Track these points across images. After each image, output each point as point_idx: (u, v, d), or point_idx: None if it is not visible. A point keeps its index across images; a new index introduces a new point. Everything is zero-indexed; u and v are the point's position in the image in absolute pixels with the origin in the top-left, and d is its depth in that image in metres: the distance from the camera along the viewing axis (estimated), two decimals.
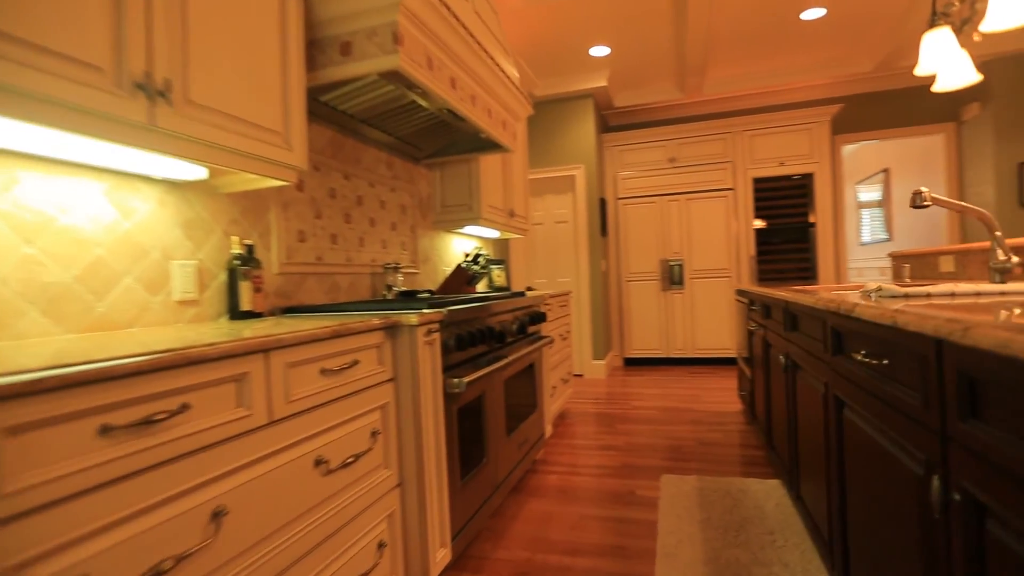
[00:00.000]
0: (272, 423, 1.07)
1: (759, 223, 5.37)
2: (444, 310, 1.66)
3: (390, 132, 2.41)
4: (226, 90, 1.33)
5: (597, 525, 2.13)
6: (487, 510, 2.01)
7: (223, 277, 1.66)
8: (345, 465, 1.29)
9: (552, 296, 3.44)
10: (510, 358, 2.11)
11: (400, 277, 2.54)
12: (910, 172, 6.37)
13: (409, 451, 1.53)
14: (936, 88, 2.24)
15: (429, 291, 2.65)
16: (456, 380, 1.68)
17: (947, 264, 2.37)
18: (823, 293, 1.57)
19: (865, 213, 7.96)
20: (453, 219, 3.06)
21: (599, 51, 4.46)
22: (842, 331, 1.32)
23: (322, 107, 2.03)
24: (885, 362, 1.04)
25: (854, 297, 1.30)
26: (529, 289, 5.40)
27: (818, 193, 5.18)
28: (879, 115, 5.51)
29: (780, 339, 2.10)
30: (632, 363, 5.78)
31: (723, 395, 4.19)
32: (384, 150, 2.61)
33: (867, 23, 4.22)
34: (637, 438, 3.21)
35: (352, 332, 1.31)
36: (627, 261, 5.70)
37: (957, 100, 5.25)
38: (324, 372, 1.24)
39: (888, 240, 7.06)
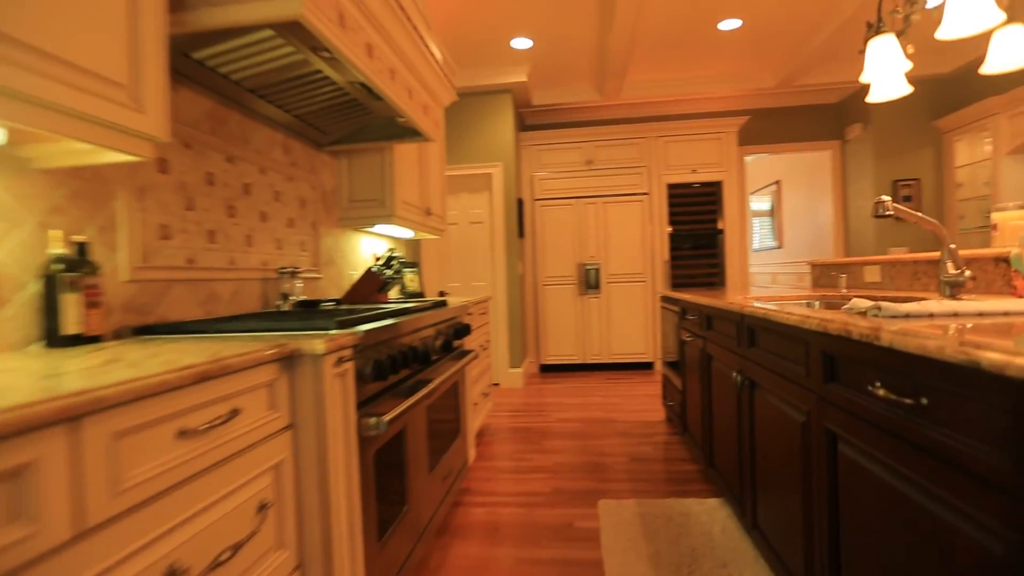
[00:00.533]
0: (83, 535, 0.66)
1: (672, 228, 5.44)
2: (359, 331, 1.30)
3: (288, 108, 1.98)
4: (29, 9, 0.88)
5: (537, 572, 1.85)
6: (410, 566, 1.67)
7: (35, 287, 1.17)
8: (217, 565, 0.90)
9: (474, 304, 3.14)
10: (435, 382, 1.78)
11: (299, 284, 2.11)
12: (799, 184, 6.84)
13: (312, 520, 1.16)
14: (871, 99, 2.23)
15: (334, 300, 2.24)
16: (374, 420, 1.32)
17: (872, 274, 2.39)
18: (794, 309, 1.42)
19: (755, 221, 8.51)
20: (362, 216, 2.65)
21: (521, 43, 4.23)
22: (838, 357, 1.16)
23: (197, 68, 1.57)
24: (924, 401, 0.86)
25: (853, 317, 1.13)
26: (443, 294, 5.05)
27: (726, 201, 5.35)
28: (777, 130, 5.82)
29: (731, 355, 1.96)
30: (548, 370, 5.63)
31: (644, 403, 4.13)
32: (280, 130, 2.16)
33: (775, 39, 4.38)
34: (565, 456, 3.00)
35: (230, 371, 0.92)
36: (543, 264, 5.54)
37: (843, 120, 5.67)
38: (184, 434, 0.85)
39: (778, 247, 7.56)
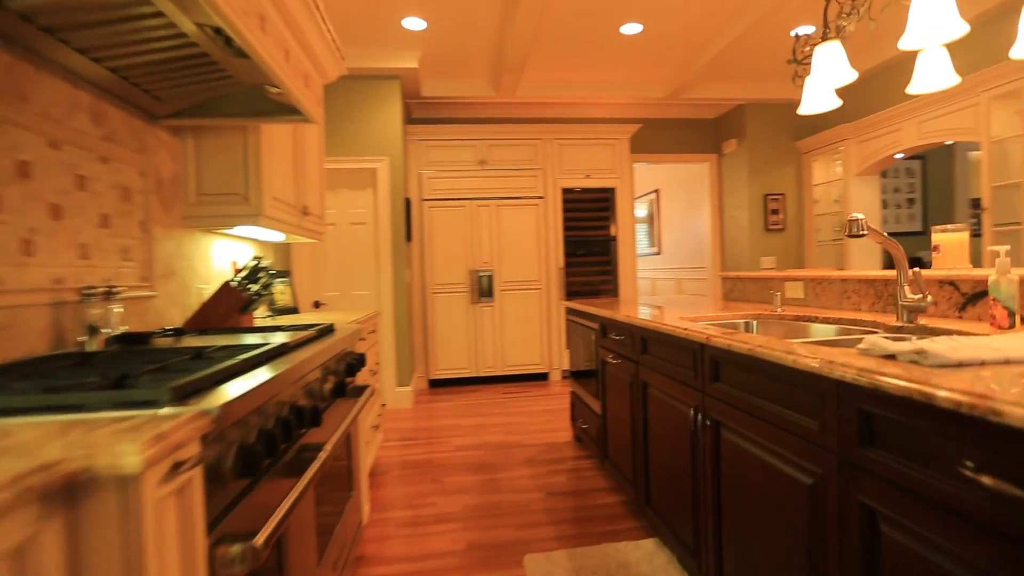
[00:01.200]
0: None
1: (567, 234, 5.30)
2: (212, 408, 0.80)
3: (102, 58, 1.35)
4: None
5: None
6: None
7: None
8: None
9: (364, 321, 2.63)
10: (328, 445, 1.30)
11: (116, 309, 1.47)
12: (677, 194, 7.16)
13: None
14: (801, 111, 2.16)
15: (174, 330, 1.63)
16: (238, 548, 0.83)
17: (795, 290, 2.35)
18: (800, 348, 1.18)
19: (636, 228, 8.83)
20: (217, 215, 2.03)
21: (414, 23, 3.76)
22: (880, 416, 0.92)
23: None
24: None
25: (903, 368, 0.90)
26: (318, 305, 4.38)
27: (619, 207, 5.33)
28: (663, 140, 5.98)
29: (683, 388, 1.72)
30: (439, 385, 5.19)
31: (546, 420, 3.88)
32: (88, 89, 1.50)
33: (671, 50, 4.40)
34: (472, 496, 2.61)
35: None
36: (433, 271, 5.10)
37: (720, 136, 5.98)
38: None
39: (656, 253, 7.88)
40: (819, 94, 2.14)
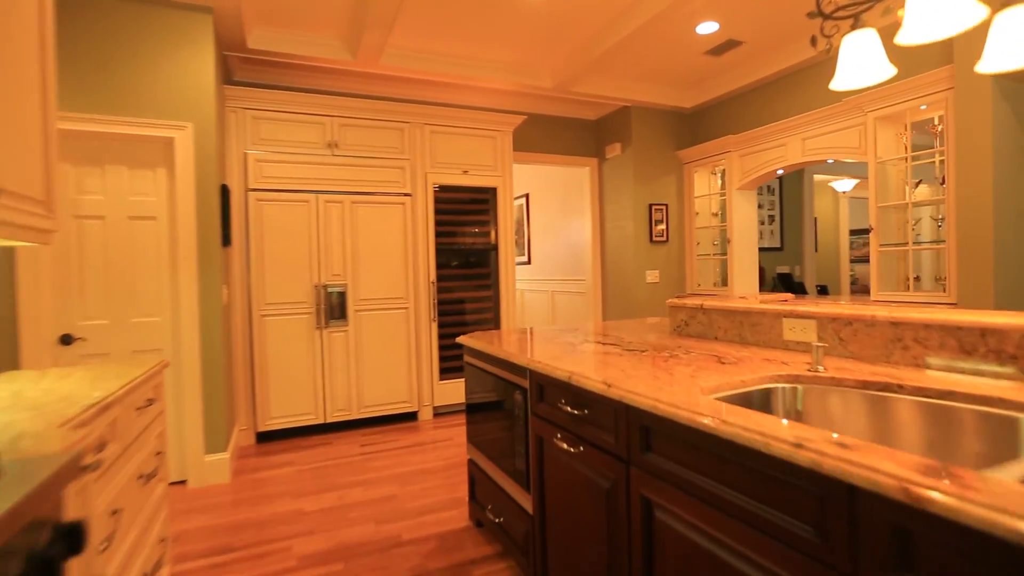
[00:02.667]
0: None
1: (440, 241, 4.37)
2: None
3: None
4: None
5: None
6: None
7: None
8: None
9: (128, 388, 1.43)
10: None
11: None
12: (550, 199, 6.64)
13: None
14: (836, 85, 1.54)
15: None
16: None
17: (802, 332, 1.74)
18: None
19: None
20: None
21: None
22: None
23: None
24: None
25: None
26: (68, 342, 2.85)
27: (500, 211, 4.56)
28: (543, 139, 5.36)
29: (736, 526, 0.93)
30: (272, 438, 3.88)
31: (426, 488, 2.91)
32: None
33: (569, 29, 3.74)
34: None
35: None
36: (264, 286, 3.79)
37: (602, 139, 5.55)
38: None
39: (527, 263, 7.30)
40: (867, 60, 1.56)
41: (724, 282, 5.19)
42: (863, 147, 3.84)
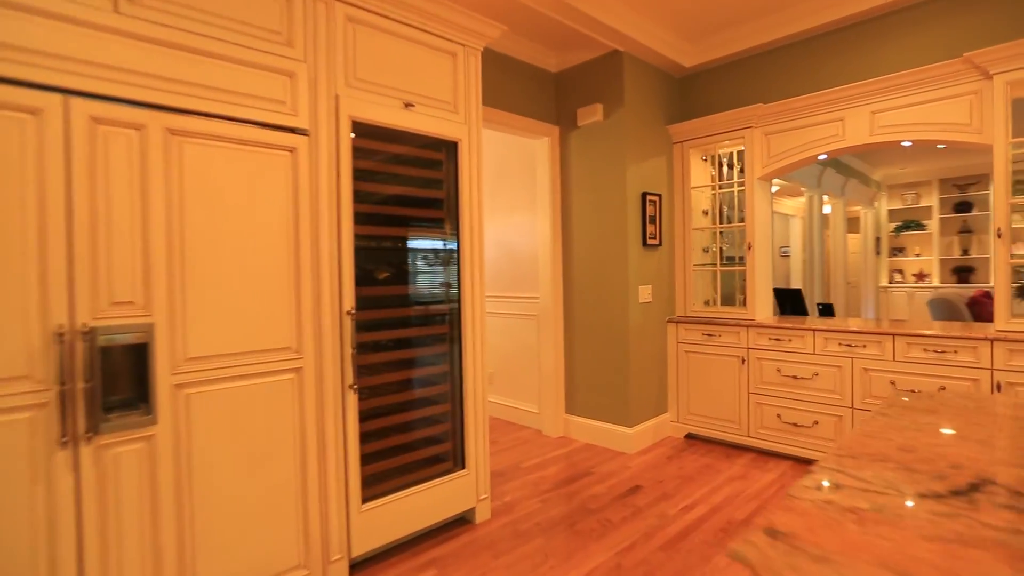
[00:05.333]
0: None
1: (362, 230, 2.26)
2: None
3: None
4: None
5: None
6: None
7: None
8: None
9: None
10: None
11: None
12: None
13: None
14: None
15: None
16: None
17: None
18: None
19: None
20: None
21: None
22: None
23: None
24: None
25: None
26: None
27: (465, 183, 2.59)
28: (492, 90, 3.53)
29: None
30: None
31: None
32: None
33: None
34: None
35: None
36: None
37: (569, 98, 3.88)
38: None
39: None
40: None
41: (725, 300, 3.91)
42: (978, 124, 2.82)
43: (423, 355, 2.47)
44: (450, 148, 2.52)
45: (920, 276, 8.78)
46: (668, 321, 3.92)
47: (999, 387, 2.66)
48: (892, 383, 2.97)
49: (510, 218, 4.31)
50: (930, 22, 3.03)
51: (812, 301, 6.54)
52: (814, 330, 3.23)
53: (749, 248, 3.62)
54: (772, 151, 3.53)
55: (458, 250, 2.52)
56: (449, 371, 2.55)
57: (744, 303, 3.75)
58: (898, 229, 8.93)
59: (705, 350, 3.72)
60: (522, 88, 3.70)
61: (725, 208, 3.91)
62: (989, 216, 8.09)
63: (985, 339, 2.70)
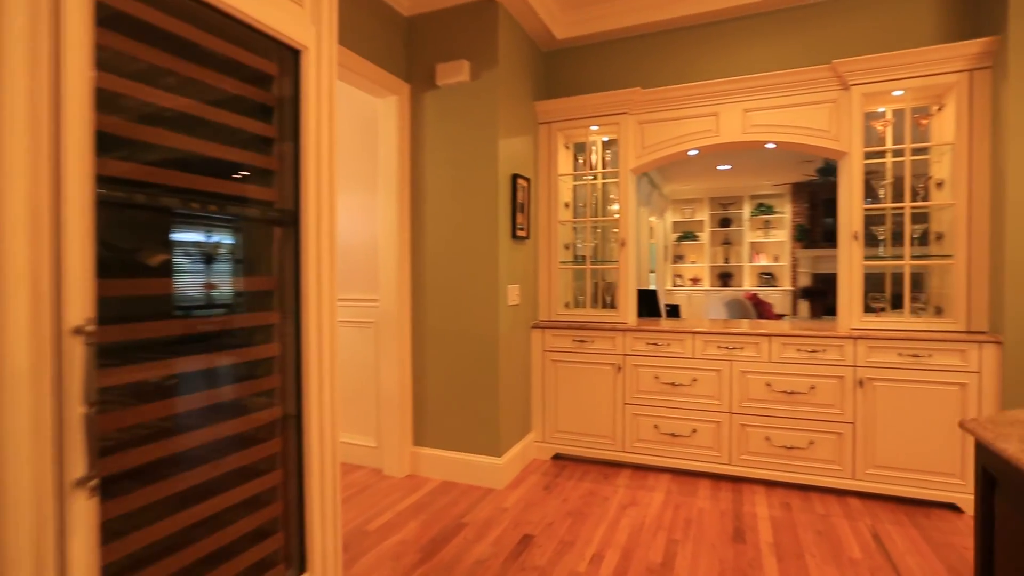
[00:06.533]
0: None
1: (116, 166, 1.17)
2: None
3: None
4: None
5: None
6: None
7: None
8: None
9: None
10: None
11: None
12: None
13: None
14: None
15: None
16: None
17: None
18: None
19: None
20: None
21: None
22: None
23: None
24: None
25: None
26: None
27: (310, 113, 1.63)
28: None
29: None
30: None
31: None
32: None
33: None
34: None
35: None
36: None
37: (425, 53, 3.09)
38: None
39: None
40: None
41: (589, 302, 3.58)
42: (836, 131, 2.91)
43: (231, 398, 1.46)
44: (287, 60, 1.55)
45: (695, 280, 10.06)
46: (533, 327, 3.41)
47: (861, 383, 2.74)
48: (768, 385, 2.90)
49: (342, 199, 3.32)
50: (807, 25, 3.07)
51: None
52: (694, 333, 3.03)
53: (623, 245, 3.31)
54: (646, 142, 3.28)
55: (296, 222, 1.56)
56: (280, 420, 1.57)
57: (614, 304, 3.44)
58: (679, 239, 10.11)
59: (576, 358, 3.30)
60: (364, 26, 2.80)
61: (593, 201, 3.56)
62: (743, 231, 9.63)
63: (850, 337, 2.75)
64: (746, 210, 9.62)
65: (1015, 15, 2.46)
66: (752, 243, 9.61)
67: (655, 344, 3.12)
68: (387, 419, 3.16)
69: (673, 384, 3.08)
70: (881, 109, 2.97)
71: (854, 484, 2.75)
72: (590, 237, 3.53)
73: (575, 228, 3.73)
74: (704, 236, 9.91)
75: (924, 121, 2.87)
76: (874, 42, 2.93)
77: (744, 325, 3.06)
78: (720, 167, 7.92)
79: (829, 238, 8.85)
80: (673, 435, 3.08)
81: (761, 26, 3.14)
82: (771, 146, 3.14)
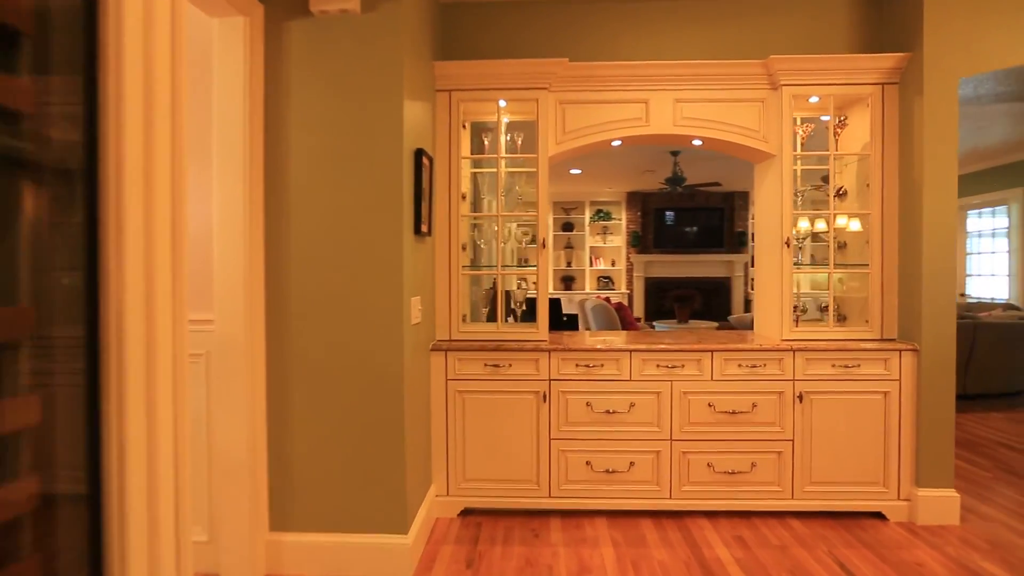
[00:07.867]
0: None
1: None
2: None
3: None
4: None
5: None
6: None
7: None
8: None
9: None
10: None
11: None
12: None
13: None
14: None
15: None
16: None
17: None
18: None
19: None
20: None
21: None
22: None
23: None
24: None
25: None
26: None
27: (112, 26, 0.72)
28: None
29: None
30: None
31: None
32: None
33: None
34: None
35: None
36: None
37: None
38: None
39: None
40: None
41: (501, 316, 2.98)
42: (765, 132, 2.75)
43: None
44: None
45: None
46: (433, 349, 2.66)
47: (800, 397, 2.59)
48: (710, 406, 2.61)
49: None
50: (747, 17, 2.85)
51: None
52: (632, 351, 2.61)
53: (543, 246, 2.76)
54: (568, 126, 2.77)
55: (91, 166, 0.66)
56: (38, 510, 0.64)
57: (531, 318, 2.87)
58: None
59: (489, 387, 2.64)
60: None
61: (501, 191, 2.94)
62: (584, 235, 9.91)
63: (789, 350, 2.59)
64: (587, 215, 9.90)
65: (930, 32, 2.51)
66: (592, 247, 9.93)
67: (587, 366, 2.63)
68: (226, 498, 2.13)
69: (608, 412, 2.62)
70: (797, 115, 2.91)
71: (793, 504, 2.59)
72: (500, 236, 2.91)
73: (474, 225, 3.08)
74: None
75: (840, 130, 2.86)
76: (797, 46, 2.84)
77: (689, 339, 2.74)
78: (572, 171, 7.91)
79: (659, 244, 9.54)
80: (609, 471, 2.62)
81: (692, 10, 2.86)
82: (698, 143, 2.88)
